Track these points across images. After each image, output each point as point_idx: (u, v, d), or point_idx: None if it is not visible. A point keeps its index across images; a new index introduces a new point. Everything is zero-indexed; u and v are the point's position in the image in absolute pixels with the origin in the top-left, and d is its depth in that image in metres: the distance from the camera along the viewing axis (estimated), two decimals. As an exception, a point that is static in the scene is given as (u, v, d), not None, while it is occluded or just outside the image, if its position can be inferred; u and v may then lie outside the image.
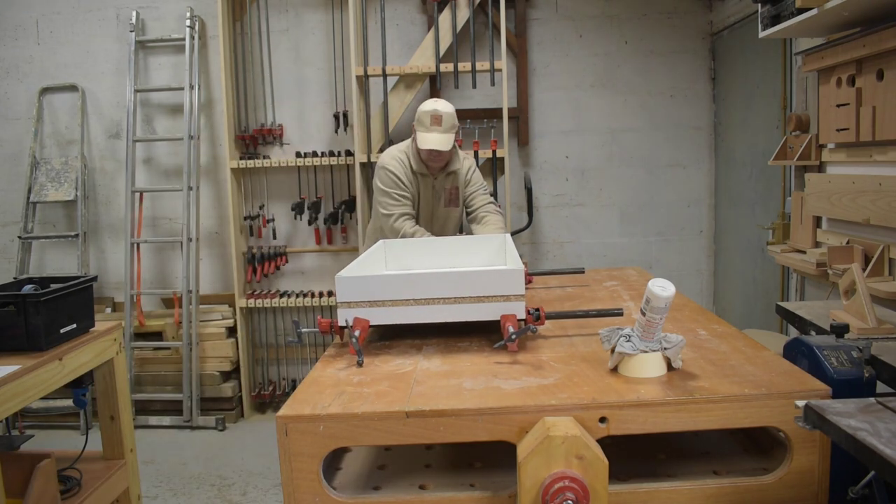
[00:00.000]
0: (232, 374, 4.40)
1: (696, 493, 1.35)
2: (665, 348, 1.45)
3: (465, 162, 3.11)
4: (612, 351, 1.49)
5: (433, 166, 2.95)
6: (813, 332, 2.03)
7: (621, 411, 1.32)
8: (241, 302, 4.30)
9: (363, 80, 4.15)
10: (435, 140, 2.78)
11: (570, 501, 1.20)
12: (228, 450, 3.88)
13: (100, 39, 4.46)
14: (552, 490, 1.20)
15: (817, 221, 2.84)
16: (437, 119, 2.77)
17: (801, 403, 1.19)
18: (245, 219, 4.42)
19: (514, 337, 1.62)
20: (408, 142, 3.01)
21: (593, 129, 4.48)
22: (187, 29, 4.28)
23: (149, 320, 4.37)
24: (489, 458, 1.54)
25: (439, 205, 3.04)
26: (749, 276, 3.98)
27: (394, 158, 2.97)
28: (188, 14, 4.29)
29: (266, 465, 3.62)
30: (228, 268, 4.49)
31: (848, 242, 2.53)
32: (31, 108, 4.48)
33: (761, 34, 2.72)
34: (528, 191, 4.17)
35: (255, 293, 4.38)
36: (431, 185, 3.01)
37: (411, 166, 2.95)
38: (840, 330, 1.73)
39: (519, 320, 1.71)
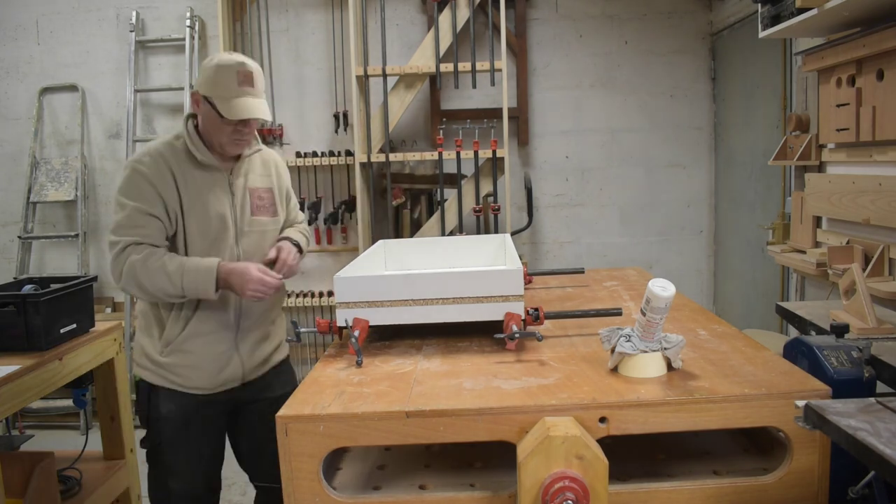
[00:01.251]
0: (232, 374, 4.39)
1: (696, 493, 1.35)
2: (665, 348, 1.45)
3: (274, 155, 2.22)
4: (612, 351, 1.49)
5: (233, 152, 2.01)
6: (813, 332, 2.03)
7: (621, 411, 1.32)
8: (241, 302, 4.29)
9: (363, 80, 4.15)
10: (253, 106, 1.90)
11: (570, 501, 1.20)
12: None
13: (100, 39, 4.46)
14: (552, 490, 1.20)
15: (817, 221, 2.84)
16: (247, 77, 1.90)
17: (801, 403, 1.19)
18: (245, 219, 4.41)
19: (516, 335, 1.62)
20: (175, 133, 2.03)
21: (593, 129, 4.48)
22: (187, 29, 4.28)
23: (149, 320, 4.36)
24: (489, 458, 1.54)
25: (245, 213, 2.04)
26: (749, 276, 3.98)
27: (150, 155, 1.94)
28: (188, 14, 4.29)
29: (266, 465, 3.61)
30: (228, 268, 4.49)
31: (848, 242, 2.53)
32: (31, 108, 4.48)
33: (761, 34, 2.72)
34: (528, 191, 4.17)
35: (255, 293, 4.37)
36: (228, 185, 2.02)
37: (195, 158, 1.97)
38: (840, 330, 1.73)
39: (522, 321, 1.72)
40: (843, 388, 1.53)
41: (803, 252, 2.84)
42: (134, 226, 1.88)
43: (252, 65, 1.95)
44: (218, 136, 1.95)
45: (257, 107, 1.91)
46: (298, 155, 4.30)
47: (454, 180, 4.13)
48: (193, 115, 2.01)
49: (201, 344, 2.00)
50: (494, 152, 4.02)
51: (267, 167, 2.15)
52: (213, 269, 1.86)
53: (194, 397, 2.05)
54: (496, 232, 4.19)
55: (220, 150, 1.99)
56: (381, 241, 2.52)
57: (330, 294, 4.29)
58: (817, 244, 2.82)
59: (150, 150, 1.96)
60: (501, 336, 1.64)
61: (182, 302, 1.95)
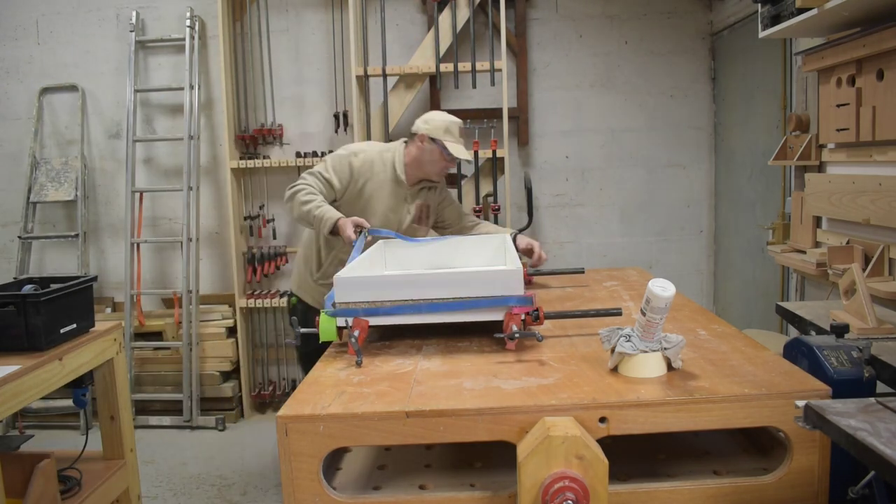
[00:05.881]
0: (232, 374, 4.40)
1: (696, 493, 1.35)
2: (665, 348, 1.45)
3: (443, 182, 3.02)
4: (612, 351, 1.49)
5: (438, 178, 2.84)
6: (813, 332, 2.03)
7: (621, 411, 1.32)
8: (241, 302, 4.30)
9: (363, 80, 4.15)
10: (465, 151, 2.76)
11: (570, 501, 1.20)
12: (228, 450, 3.88)
13: (100, 39, 4.46)
14: (552, 490, 1.20)
15: (817, 221, 2.84)
16: (463, 132, 2.80)
17: (801, 403, 1.19)
18: (245, 219, 4.41)
19: (516, 335, 1.62)
20: (393, 147, 2.82)
21: (593, 129, 4.48)
22: (187, 29, 4.28)
23: (149, 320, 4.36)
24: (489, 458, 1.54)
25: (406, 220, 2.80)
26: (749, 276, 3.98)
27: (366, 155, 2.75)
28: (188, 14, 4.29)
29: (266, 465, 3.62)
30: (228, 268, 4.49)
31: (848, 242, 2.53)
32: (31, 108, 4.48)
33: (761, 34, 2.72)
34: (528, 191, 4.14)
35: (255, 293, 4.38)
36: (405, 197, 2.80)
37: (394, 173, 2.76)
38: (840, 330, 1.73)
39: (521, 320, 1.72)
40: (843, 388, 1.52)
41: (803, 252, 2.84)
42: (320, 180, 2.70)
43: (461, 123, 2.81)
44: (433, 167, 2.76)
45: (467, 152, 2.79)
46: (298, 155, 4.30)
47: (454, 180, 4.13)
48: (405, 143, 2.83)
49: None
50: (494, 152, 4.02)
51: (434, 192, 2.92)
52: (333, 220, 2.51)
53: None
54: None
55: (423, 175, 2.79)
56: (381, 241, 2.52)
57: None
58: (817, 244, 2.81)
59: (367, 153, 2.77)
60: (501, 336, 1.64)
61: (332, 247, 2.77)
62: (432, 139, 2.71)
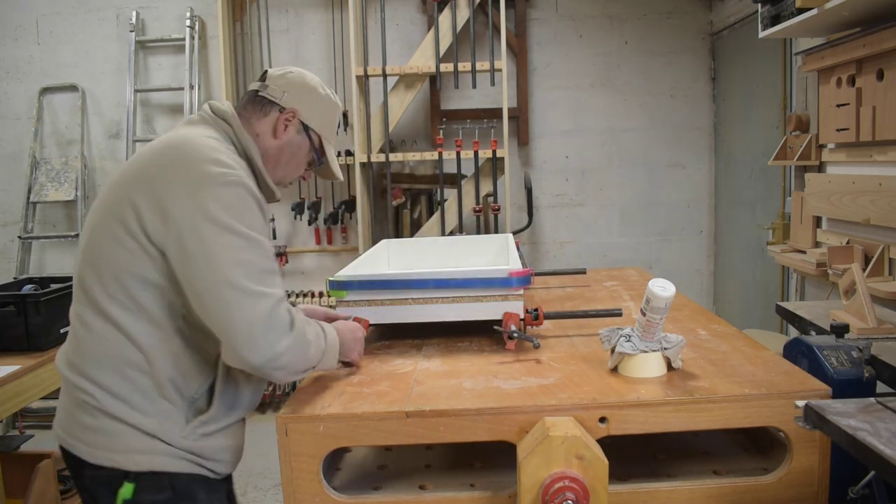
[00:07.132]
0: (232, 374, 4.39)
1: (696, 493, 1.35)
2: (665, 348, 1.45)
3: None
4: (612, 351, 1.49)
5: (286, 184, 1.66)
6: (813, 332, 2.03)
7: (621, 411, 1.32)
8: (241, 302, 4.29)
9: (363, 80, 4.15)
10: (338, 168, 1.75)
11: (570, 501, 1.20)
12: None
13: (100, 39, 4.46)
14: (552, 490, 1.20)
15: (817, 221, 2.84)
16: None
17: (801, 403, 1.18)
18: (245, 219, 4.40)
19: (514, 335, 1.62)
20: (221, 145, 1.41)
21: (593, 129, 4.48)
22: (187, 29, 4.28)
23: (149, 320, 4.36)
24: (489, 458, 1.54)
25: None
26: (749, 276, 3.98)
27: (242, 168, 1.39)
28: (188, 14, 4.29)
29: (266, 465, 3.61)
30: (228, 268, 4.48)
31: (848, 242, 2.53)
32: (31, 108, 4.49)
33: (761, 34, 2.72)
34: (528, 191, 4.17)
35: (255, 293, 4.37)
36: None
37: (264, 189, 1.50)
38: (840, 330, 1.73)
39: (520, 320, 1.72)
40: (843, 388, 1.52)
41: (803, 252, 2.84)
42: (275, 270, 1.32)
43: None
44: (290, 169, 1.59)
45: (338, 169, 1.72)
46: (298, 155, 4.29)
47: (454, 180, 4.13)
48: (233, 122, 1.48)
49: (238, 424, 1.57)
50: (494, 152, 4.02)
51: None
52: (336, 344, 1.48)
53: (224, 481, 1.58)
54: (496, 232, 4.19)
55: (277, 178, 1.57)
56: (384, 241, 2.52)
57: (330, 294, 4.29)
58: (817, 244, 2.81)
59: (236, 164, 1.37)
60: (500, 330, 1.64)
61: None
62: (312, 129, 1.60)
